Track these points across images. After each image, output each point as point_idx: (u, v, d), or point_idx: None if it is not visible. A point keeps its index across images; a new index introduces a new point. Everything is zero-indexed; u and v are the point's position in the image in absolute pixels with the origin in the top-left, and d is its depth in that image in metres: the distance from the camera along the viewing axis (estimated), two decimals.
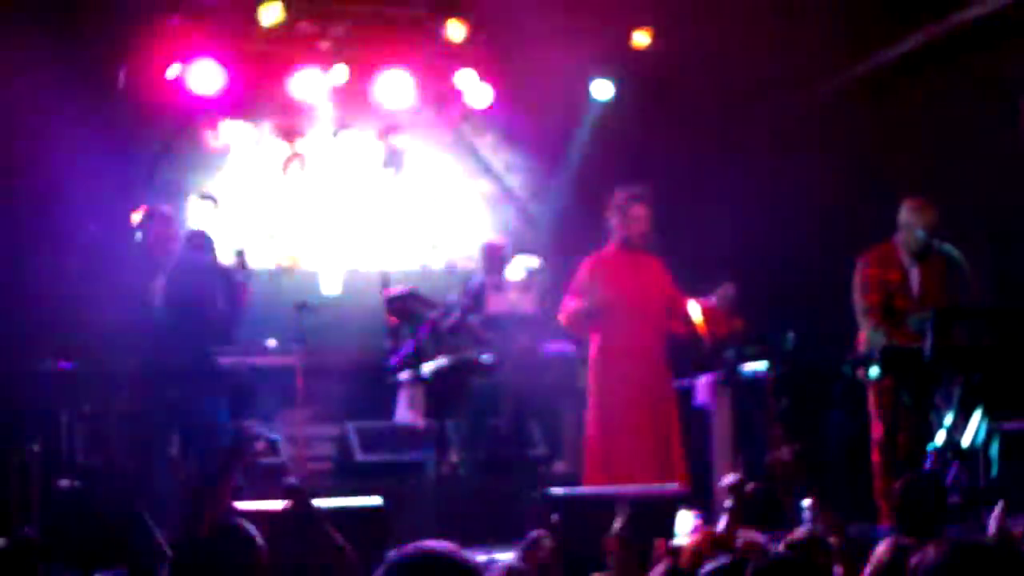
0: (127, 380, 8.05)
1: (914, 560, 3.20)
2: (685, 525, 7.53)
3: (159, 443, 8.30)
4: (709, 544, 5.21)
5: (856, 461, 8.71)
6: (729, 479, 6.56)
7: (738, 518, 6.18)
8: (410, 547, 3.50)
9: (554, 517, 6.42)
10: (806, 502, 7.92)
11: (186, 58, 11.03)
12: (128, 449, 8.35)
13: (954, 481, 7.82)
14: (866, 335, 8.65)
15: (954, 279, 8.63)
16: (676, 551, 5.35)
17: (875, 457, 8.51)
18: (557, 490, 8.14)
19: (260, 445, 9.58)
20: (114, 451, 8.35)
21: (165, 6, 10.84)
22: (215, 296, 8.61)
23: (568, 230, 12.02)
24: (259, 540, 4.81)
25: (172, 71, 11.07)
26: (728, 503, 6.30)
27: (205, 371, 8.39)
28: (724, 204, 11.32)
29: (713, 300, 9.03)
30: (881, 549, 4.40)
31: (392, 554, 3.53)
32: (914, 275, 8.67)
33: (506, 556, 7.73)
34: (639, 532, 5.89)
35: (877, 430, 8.51)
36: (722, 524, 6.21)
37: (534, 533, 6.30)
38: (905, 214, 8.72)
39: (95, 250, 8.75)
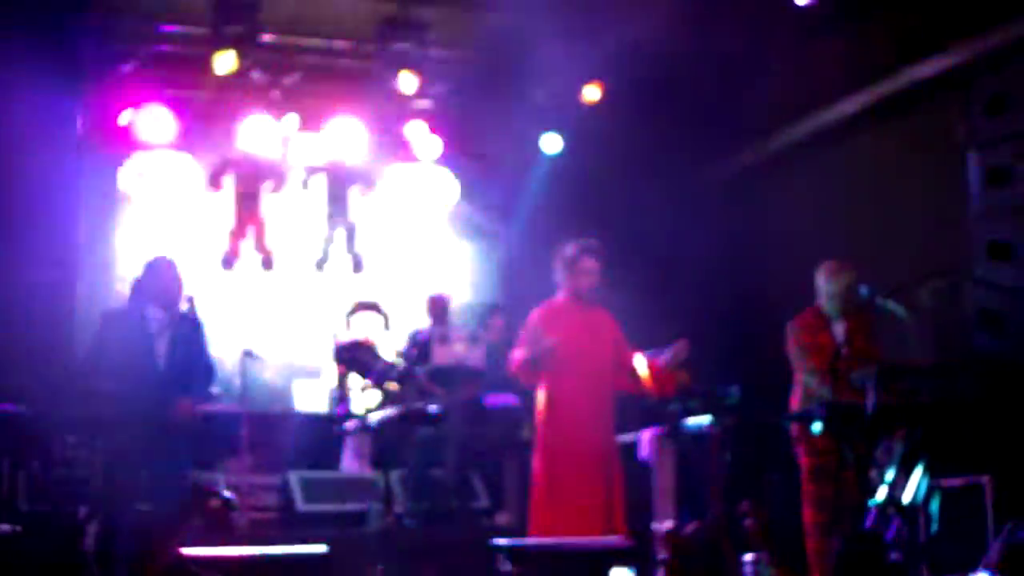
0: (73, 427, 8.01)
1: None
2: None
3: (123, 489, 8.29)
4: None
5: (794, 518, 8.73)
6: (666, 525, 6.54)
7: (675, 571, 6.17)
8: None
9: (508, 568, 6.40)
10: (748, 557, 7.97)
11: (139, 104, 11.06)
12: (72, 496, 8.31)
13: (895, 538, 7.85)
14: (803, 392, 8.73)
15: (890, 334, 8.69)
16: None
17: (807, 516, 8.55)
18: (503, 541, 8.12)
19: (214, 502, 9.56)
20: (58, 497, 8.29)
21: (122, 53, 10.87)
22: (203, 348, 8.93)
23: (517, 281, 12.05)
24: None
25: (124, 118, 11.09)
26: (663, 555, 6.27)
27: (182, 422, 8.47)
28: (672, 257, 11.40)
29: (665, 357, 9.02)
30: None
31: None
32: (838, 330, 8.75)
33: None
34: None
35: (809, 487, 8.58)
36: None
37: None
38: (821, 279, 8.80)
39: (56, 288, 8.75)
